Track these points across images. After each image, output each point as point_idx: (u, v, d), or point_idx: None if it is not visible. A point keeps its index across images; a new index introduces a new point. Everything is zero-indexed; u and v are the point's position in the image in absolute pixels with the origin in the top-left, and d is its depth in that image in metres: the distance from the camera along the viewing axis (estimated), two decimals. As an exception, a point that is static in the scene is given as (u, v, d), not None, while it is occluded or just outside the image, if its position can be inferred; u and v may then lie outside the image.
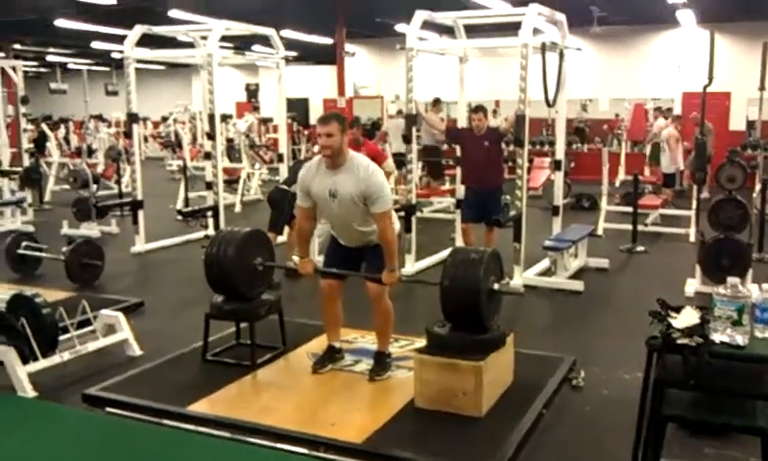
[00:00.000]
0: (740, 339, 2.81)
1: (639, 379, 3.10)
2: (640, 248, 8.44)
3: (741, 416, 2.94)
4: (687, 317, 2.98)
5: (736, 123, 15.73)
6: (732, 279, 2.85)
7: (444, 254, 7.92)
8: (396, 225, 4.51)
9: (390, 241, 4.23)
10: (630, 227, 8.62)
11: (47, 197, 12.79)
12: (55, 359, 4.49)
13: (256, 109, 19.07)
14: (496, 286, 4.12)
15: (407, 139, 7.40)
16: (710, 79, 7.14)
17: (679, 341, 2.84)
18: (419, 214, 7.76)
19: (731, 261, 6.06)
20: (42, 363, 4.41)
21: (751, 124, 15.01)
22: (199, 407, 4.03)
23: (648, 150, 14.17)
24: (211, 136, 8.11)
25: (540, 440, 3.75)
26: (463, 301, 3.97)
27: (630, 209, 8.87)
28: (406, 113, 7.38)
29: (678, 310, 3.06)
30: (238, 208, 11.87)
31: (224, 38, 8.37)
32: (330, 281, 4.52)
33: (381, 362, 4.51)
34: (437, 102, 12.24)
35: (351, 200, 4.17)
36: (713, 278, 6.03)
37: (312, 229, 4.63)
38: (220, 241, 4.64)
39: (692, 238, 8.79)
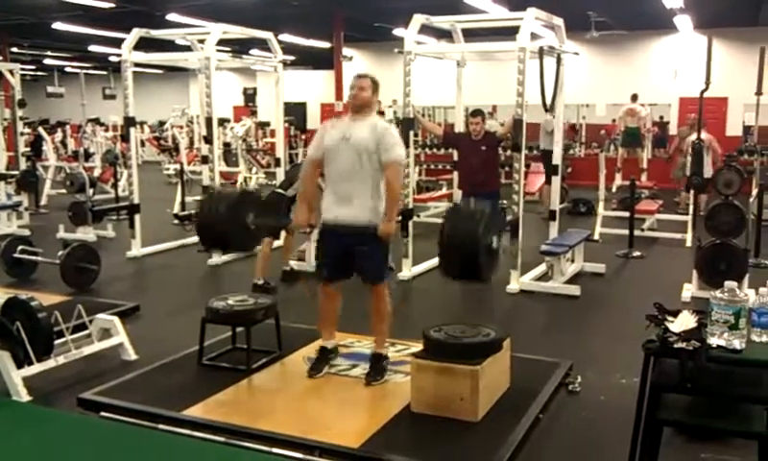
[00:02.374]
0: (737, 343, 2.80)
1: (636, 384, 3.09)
2: (637, 253, 8.43)
3: (738, 420, 2.93)
4: (684, 321, 2.97)
5: (733, 128, 15.78)
6: (728, 284, 2.84)
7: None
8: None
9: (395, 189, 4.33)
10: (626, 232, 8.62)
11: (43, 201, 12.76)
12: (50, 363, 4.46)
13: (254, 113, 19.08)
14: (494, 241, 4.07)
15: (404, 143, 7.38)
16: (707, 84, 7.17)
17: (676, 345, 2.83)
18: (415, 219, 7.74)
19: (727, 266, 6.06)
20: (37, 367, 4.38)
21: (747, 129, 15.05)
22: (194, 412, 4.01)
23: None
24: (208, 140, 8.10)
25: (536, 445, 3.74)
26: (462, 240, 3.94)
27: (626, 214, 8.87)
28: (403, 117, 7.37)
29: (675, 314, 3.05)
30: (235, 212, 11.83)
31: (221, 42, 8.37)
32: (326, 286, 4.53)
33: (378, 366, 4.49)
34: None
35: (364, 145, 4.22)
36: (710, 282, 6.03)
37: (316, 188, 4.65)
38: (212, 198, 4.64)
39: (689, 243, 8.80)
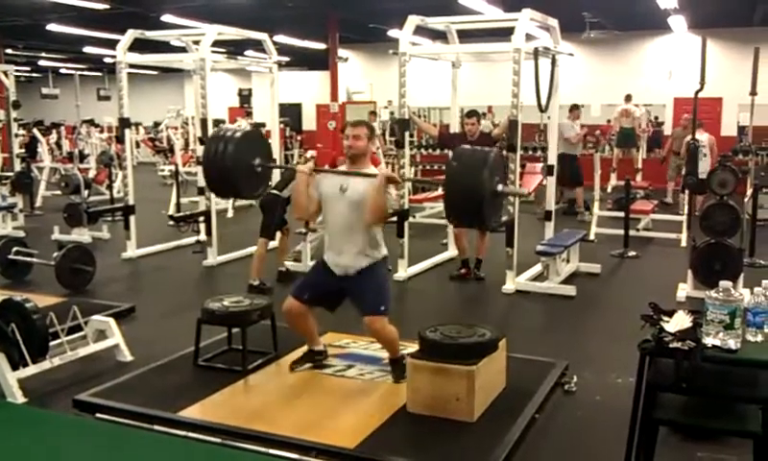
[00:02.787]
0: (732, 343, 2.81)
1: (632, 384, 3.09)
2: (632, 253, 8.45)
3: (733, 420, 2.94)
4: (680, 321, 2.98)
5: (728, 128, 15.81)
6: (723, 283, 2.84)
7: (437, 259, 7.98)
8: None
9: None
10: (622, 232, 8.63)
11: (38, 202, 12.69)
12: (45, 365, 4.46)
13: (249, 114, 19.03)
14: (500, 187, 4.04)
15: (399, 144, 7.40)
16: (702, 84, 7.18)
17: (671, 345, 2.83)
18: (411, 219, 7.74)
19: (722, 266, 6.07)
20: (32, 369, 4.37)
21: (742, 129, 15.09)
22: (190, 413, 4.00)
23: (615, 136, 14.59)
24: (203, 142, 8.08)
25: (532, 445, 3.74)
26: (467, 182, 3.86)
27: (622, 214, 8.88)
28: (398, 118, 7.37)
29: (670, 314, 3.05)
30: (230, 214, 11.84)
31: (216, 43, 8.35)
32: (299, 304, 4.40)
33: (397, 367, 4.41)
34: (575, 108, 11.36)
35: (360, 197, 4.20)
36: (705, 282, 6.04)
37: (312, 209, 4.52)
38: (219, 138, 4.53)
39: (684, 243, 8.81)
